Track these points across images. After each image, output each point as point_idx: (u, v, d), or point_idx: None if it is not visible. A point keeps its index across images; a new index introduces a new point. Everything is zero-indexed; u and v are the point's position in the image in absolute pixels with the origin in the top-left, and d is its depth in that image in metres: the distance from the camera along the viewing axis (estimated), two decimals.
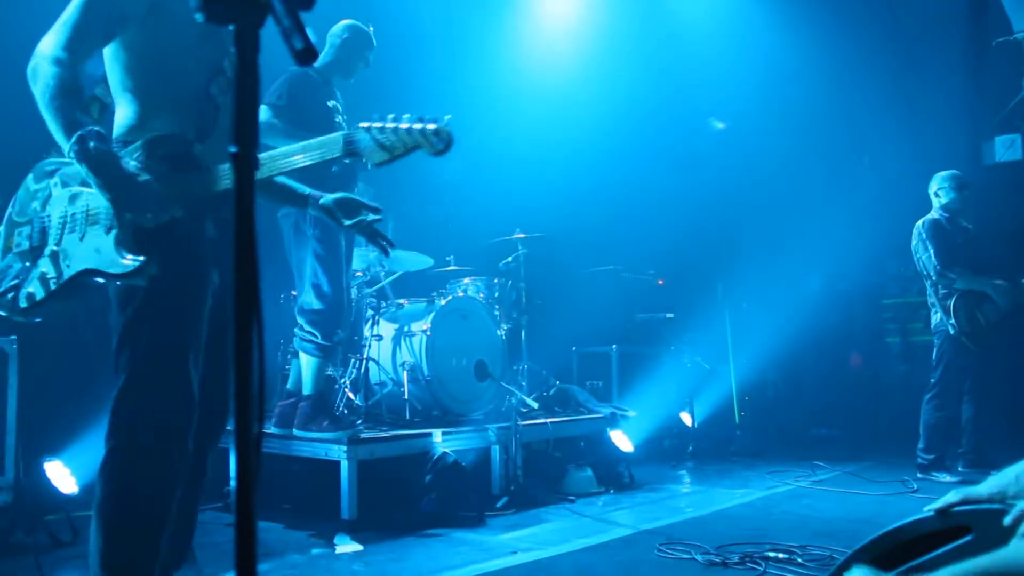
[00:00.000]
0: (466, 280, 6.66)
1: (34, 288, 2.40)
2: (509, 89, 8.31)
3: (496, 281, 6.78)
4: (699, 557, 3.77)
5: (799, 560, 3.65)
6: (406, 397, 5.64)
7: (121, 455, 2.39)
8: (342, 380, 5.57)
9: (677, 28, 9.19)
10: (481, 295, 6.56)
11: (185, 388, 2.45)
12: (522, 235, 6.91)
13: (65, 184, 2.46)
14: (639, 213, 8.94)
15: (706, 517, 4.90)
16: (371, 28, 5.09)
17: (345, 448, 4.58)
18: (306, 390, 4.87)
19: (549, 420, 5.91)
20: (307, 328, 4.78)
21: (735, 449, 7.80)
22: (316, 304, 4.76)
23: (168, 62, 2.54)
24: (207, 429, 2.65)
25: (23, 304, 2.41)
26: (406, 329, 5.88)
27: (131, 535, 2.39)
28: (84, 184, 2.40)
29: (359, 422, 5.22)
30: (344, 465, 4.57)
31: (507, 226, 7.02)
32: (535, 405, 6.12)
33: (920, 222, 6.17)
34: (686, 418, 7.87)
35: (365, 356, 5.81)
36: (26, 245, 2.44)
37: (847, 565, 1.81)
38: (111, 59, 2.54)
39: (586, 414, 6.48)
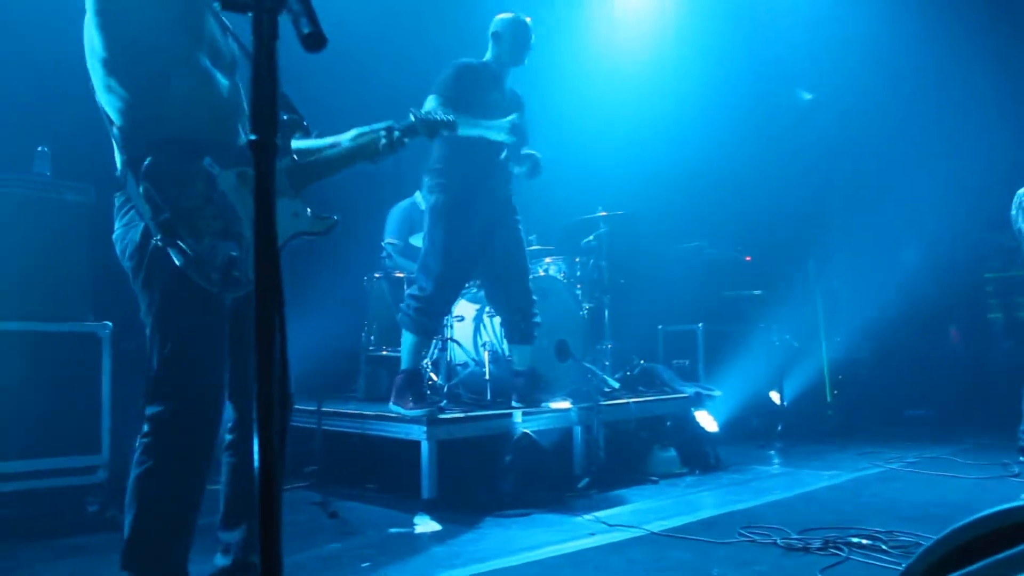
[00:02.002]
0: (548, 260, 6.62)
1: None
2: (591, 66, 8.23)
3: (578, 260, 6.74)
4: (780, 541, 3.69)
5: (884, 547, 3.53)
6: (487, 378, 5.65)
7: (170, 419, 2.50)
8: (425, 361, 5.63)
9: None
10: (563, 274, 6.53)
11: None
12: (604, 213, 6.85)
13: (224, 166, 2.54)
14: (725, 188, 8.76)
15: (791, 500, 4.80)
16: (528, 19, 5.25)
17: (425, 429, 4.62)
18: (403, 365, 5.07)
19: (632, 400, 5.86)
20: (410, 306, 5.00)
21: (826, 429, 7.63)
22: (420, 286, 5.05)
23: None
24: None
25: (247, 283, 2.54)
26: (487, 310, 5.89)
27: (170, 507, 2.50)
28: (241, 163, 2.55)
29: (443, 403, 5.30)
30: (424, 445, 4.61)
31: (589, 205, 6.97)
32: (616, 385, 6.07)
33: (1022, 189, 5.87)
34: (775, 397, 7.72)
35: (447, 337, 5.85)
36: (220, 225, 2.49)
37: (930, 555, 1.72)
38: None
39: (670, 394, 6.40)
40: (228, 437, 2.83)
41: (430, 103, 4.80)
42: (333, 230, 2.79)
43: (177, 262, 2.38)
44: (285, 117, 2.74)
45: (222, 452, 2.85)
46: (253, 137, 1.05)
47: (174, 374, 2.51)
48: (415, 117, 3.16)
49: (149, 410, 2.50)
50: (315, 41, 1.10)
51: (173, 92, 2.52)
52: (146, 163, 2.40)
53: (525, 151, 5.14)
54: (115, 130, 2.49)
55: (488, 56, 5.19)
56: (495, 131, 4.88)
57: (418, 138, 3.16)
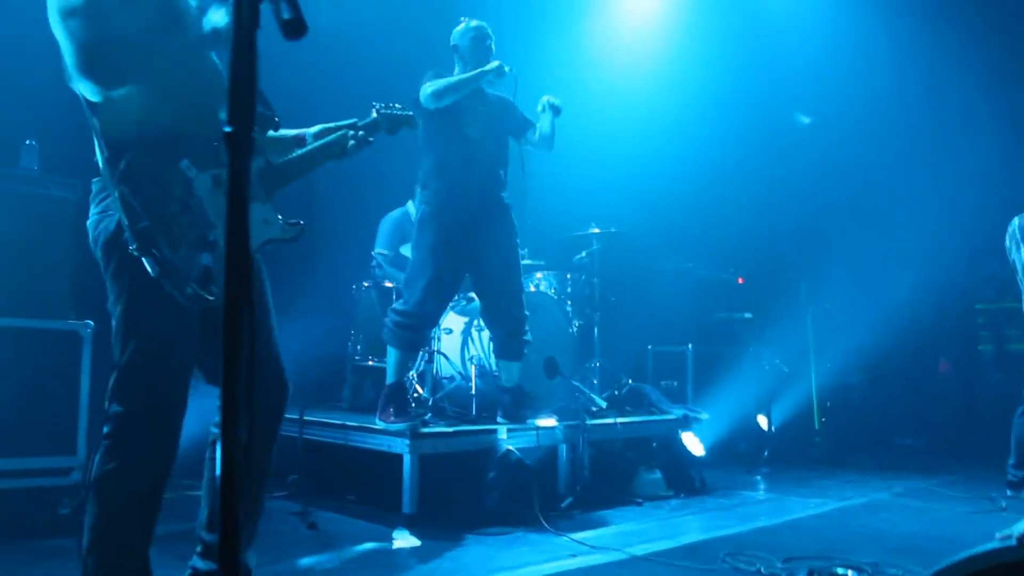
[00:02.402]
0: (538, 275, 6.56)
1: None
2: (586, 81, 8.19)
3: (569, 276, 6.68)
4: (764, 569, 3.62)
5: None
6: (473, 392, 5.59)
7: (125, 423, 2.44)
8: (411, 373, 5.56)
9: (761, 18, 8.93)
10: (553, 290, 6.47)
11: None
12: (597, 230, 6.80)
13: (200, 167, 2.47)
14: (719, 209, 8.73)
15: (777, 527, 4.74)
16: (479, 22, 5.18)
17: (408, 442, 4.55)
18: (388, 379, 5.02)
19: (619, 420, 5.79)
20: (393, 320, 4.96)
21: (813, 456, 7.57)
22: (405, 299, 5.02)
23: None
24: (260, 418, 2.68)
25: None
26: (476, 323, 5.83)
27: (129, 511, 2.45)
28: (216, 165, 2.48)
29: (427, 416, 5.23)
30: (406, 459, 4.54)
31: (582, 221, 6.92)
32: (603, 404, 6.00)
33: (1016, 219, 5.83)
34: (763, 422, 7.66)
35: (434, 349, 5.79)
36: (195, 234, 2.43)
37: None
38: None
39: (658, 415, 6.34)
40: (214, 431, 2.76)
41: (427, 89, 4.80)
42: (302, 236, 2.73)
43: (152, 272, 2.32)
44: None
45: (207, 448, 2.79)
46: (228, 129, 0.98)
47: (138, 374, 2.45)
48: (377, 112, 3.11)
49: (113, 408, 2.45)
50: (295, 28, 1.04)
51: (150, 83, 2.46)
52: (123, 165, 2.34)
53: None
54: (93, 120, 2.43)
55: (456, 71, 5.11)
56: (485, 77, 4.82)
57: (379, 134, 3.10)
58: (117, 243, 2.43)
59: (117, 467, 2.41)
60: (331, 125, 2.96)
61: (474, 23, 5.12)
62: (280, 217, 2.67)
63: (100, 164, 2.46)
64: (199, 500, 2.82)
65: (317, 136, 2.94)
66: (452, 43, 5.15)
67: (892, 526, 4.72)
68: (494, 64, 4.84)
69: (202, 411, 2.70)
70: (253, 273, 2.57)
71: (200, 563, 2.74)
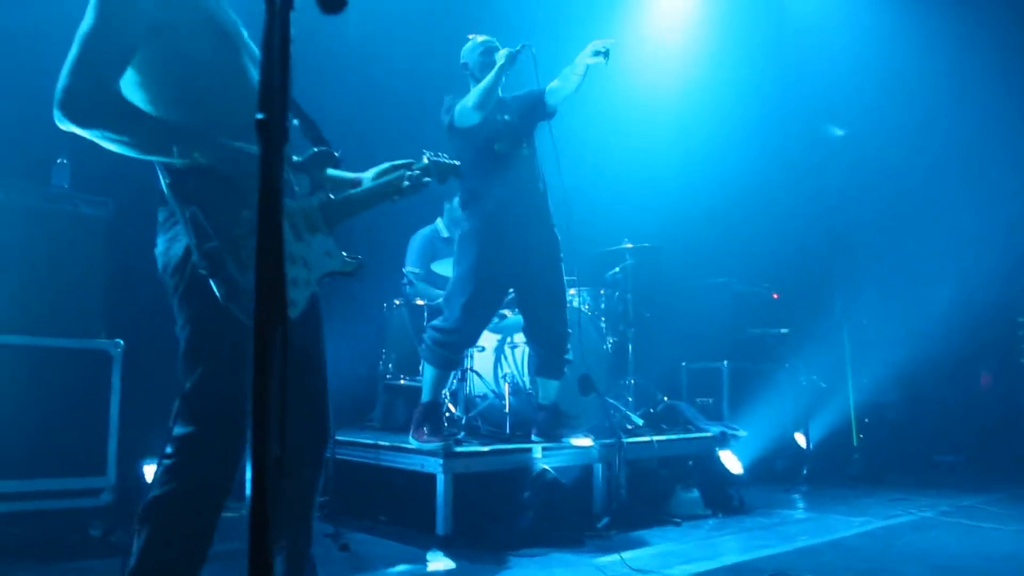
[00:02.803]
0: (571, 291, 6.46)
1: (296, 296, 2.43)
2: (619, 96, 8.12)
3: (602, 292, 6.60)
4: None
5: None
6: (507, 410, 5.50)
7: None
8: (444, 391, 5.48)
9: (794, 31, 8.85)
10: (586, 306, 6.39)
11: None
12: (630, 245, 6.72)
13: None
14: (753, 223, 8.61)
15: (820, 547, 4.60)
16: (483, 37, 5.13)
17: (441, 462, 4.46)
18: (423, 397, 4.95)
19: (655, 438, 5.68)
20: (433, 338, 4.90)
21: (852, 473, 7.41)
22: (445, 316, 4.94)
23: (192, 75, 2.47)
24: (308, 449, 2.67)
25: (292, 313, 2.42)
26: (509, 340, 5.75)
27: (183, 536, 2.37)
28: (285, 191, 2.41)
29: (460, 435, 5.16)
30: (440, 479, 4.46)
31: (615, 236, 6.84)
32: (640, 422, 5.90)
33: None
34: (800, 439, 7.51)
35: (467, 367, 5.71)
36: None
37: None
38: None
39: (694, 432, 6.22)
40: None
41: (465, 104, 4.77)
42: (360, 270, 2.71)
43: (219, 294, 2.25)
44: (316, 150, 2.66)
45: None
46: (260, 116, 0.91)
47: (204, 397, 2.38)
48: (428, 160, 3.10)
49: (177, 430, 2.37)
50: (334, 2, 0.97)
51: (208, 105, 2.42)
52: (191, 186, 2.30)
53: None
54: None
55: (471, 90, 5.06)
56: (505, 69, 4.73)
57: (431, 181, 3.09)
58: (185, 267, 2.38)
59: (175, 489, 2.33)
60: (386, 166, 2.94)
61: (481, 39, 5.08)
62: (343, 252, 2.65)
63: (164, 190, 2.41)
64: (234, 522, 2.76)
65: (374, 179, 2.91)
66: (462, 61, 5.11)
67: (941, 545, 4.57)
68: (504, 52, 4.77)
69: None
70: (311, 302, 2.52)
71: None
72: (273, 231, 0.87)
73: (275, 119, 0.91)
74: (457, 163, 3.25)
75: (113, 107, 2.31)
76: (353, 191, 2.80)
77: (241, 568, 2.64)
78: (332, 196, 2.70)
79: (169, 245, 2.45)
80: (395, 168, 2.93)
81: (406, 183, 2.88)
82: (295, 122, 2.76)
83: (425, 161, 3.08)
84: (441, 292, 6.53)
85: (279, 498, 0.94)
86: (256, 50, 2.71)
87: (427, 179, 2.99)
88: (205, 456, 2.37)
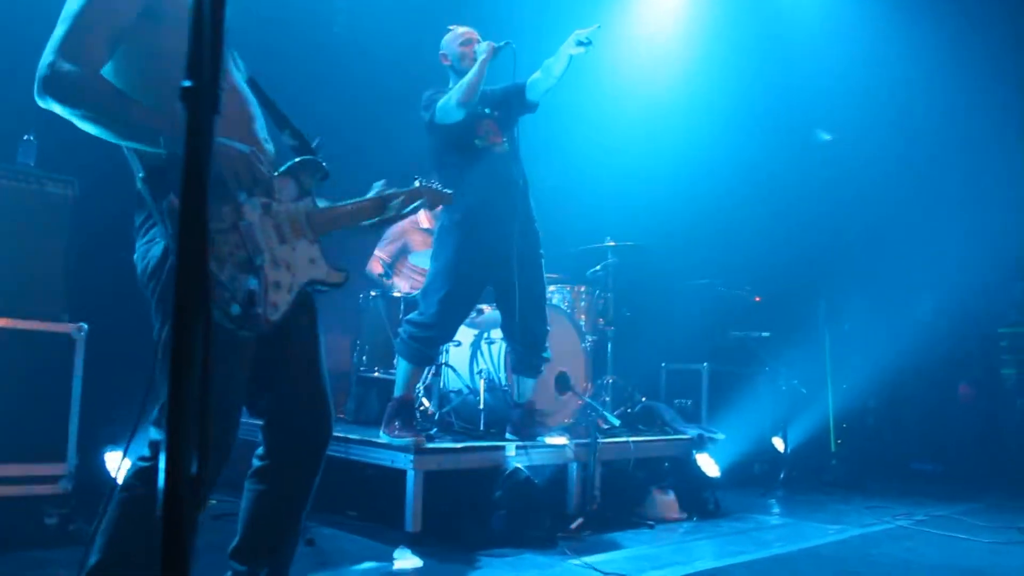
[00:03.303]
0: (552, 288, 6.38)
1: (279, 298, 2.37)
2: (604, 93, 8.05)
3: (583, 290, 6.51)
4: None
5: None
6: (481, 407, 5.41)
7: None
8: (417, 386, 5.38)
9: (782, 31, 8.77)
10: (567, 304, 6.30)
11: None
12: (612, 243, 6.63)
13: (250, 193, 2.38)
14: (737, 226, 8.55)
15: (795, 554, 4.54)
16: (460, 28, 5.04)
17: (412, 457, 4.36)
18: (396, 392, 4.84)
19: (632, 439, 5.60)
20: (408, 332, 4.79)
21: (829, 480, 7.35)
22: (421, 310, 4.83)
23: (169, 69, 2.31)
24: (304, 451, 2.64)
25: (273, 316, 2.35)
26: (486, 336, 5.66)
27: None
28: (267, 195, 2.42)
29: (433, 431, 5.07)
30: (410, 475, 4.35)
31: (597, 233, 6.75)
32: (617, 422, 5.82)
33: None
34: (778, 444, 7.45)
35: (442, 362, 5.61)
36: (243, 256, 2.31)
37: None
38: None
39: (672, 434, 6.15)
40: (256, 463, 2.64)
41: (448, 102, 4.66)
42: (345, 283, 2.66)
43: None
44: (301, 159, 2.59)
45: (246, 479, 2.65)
46: (186, 84, 0.81)
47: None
48: (420, 184, 3.06)
49: (156, 434, 2.30)
50: None
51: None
52: (170, 178, 2.21)
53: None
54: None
55: (451, 82, 4.96)
56: (487, 63, 4.64)
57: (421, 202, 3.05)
58: (162, 267, 2.29)
59: (149, 494, 2.21)
60: (386, 192, 2.88)
61: (461, 29, 4.98)
62: (328, 263, 2.58)
63: (139, 187, 2.32)
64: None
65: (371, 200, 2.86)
66: (441, 52, 5.00)
67: (918, 556, 4.51)
68: (485, 45, 4.68)
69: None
70: (302, 304, 2.46)
71: None
72: (197, 209, 0.77)
73: (204, 85, 0.81)
74: (450, 192, 3.24)
75: (101, 88, 2.22)
76: (341, 203, 2.72)
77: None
78: (320, 205, 2.62)
79: (147, 248, 2.36)
80: (393, 194, 2.89)
81: (395, 201, 2.84)
82: (286, 134, 2.71)
83: (416, 184, 3.04)
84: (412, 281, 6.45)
85: (194, 524, 0.83)
86: (239, 59, 2.66)
87: (417, 203, 2.95)
88: None
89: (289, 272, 2.42)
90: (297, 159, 2.59)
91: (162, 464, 0.84)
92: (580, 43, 4.53)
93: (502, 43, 4.68)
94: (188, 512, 0.81)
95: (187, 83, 0.83)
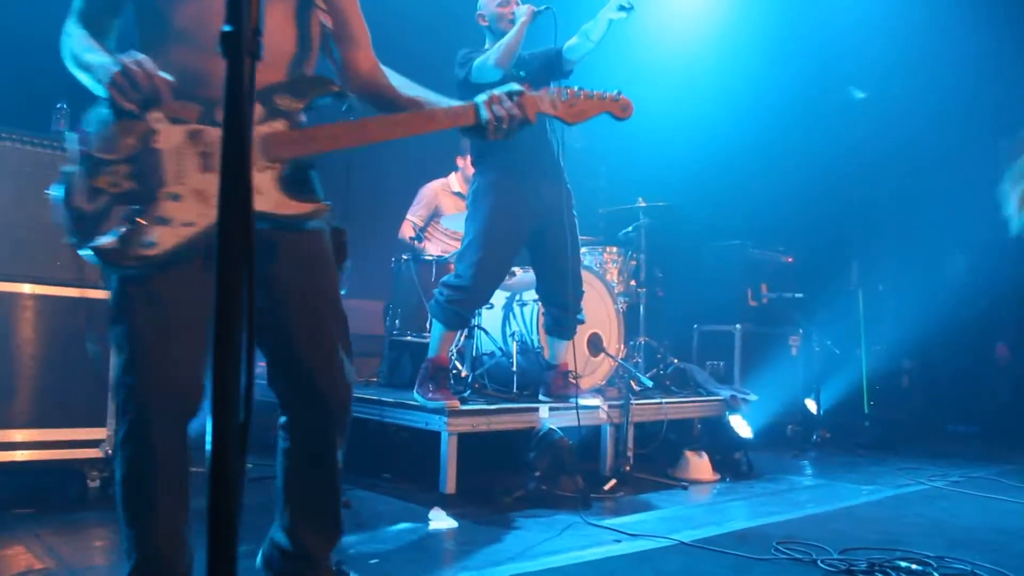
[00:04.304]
0: (584, 250, 6.37)
1: (162, 233, 2.09)
2: (635, 53, 7.97)
3: (616, 251, 6.49)
4: (821, 561, 3.42)
5: (935, 573, 3.26)
6: (514, 369, 5.42)
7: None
8: (451, 349, 5.41)
9: None
10: (598, 265, 6.29)
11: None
12: (644, 204, 6.59)
13: (175, 121, 2.16)
14: (769, 186, 8.48)
15: (829, 514, 4.53)
16: None
17: (446, 419, 4.39)
18: (430, 353, 4.87)
19: (664, 400, 5.61)
20: (444, 294, 4.80)
21: (863, 441, 7.32)
22: (458, 273, 4.83)
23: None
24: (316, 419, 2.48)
25: (146, 251, 2.07)
26: (518, 298, 5.66)
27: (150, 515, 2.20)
28: (203, 118, 2.19)
29: (467, 393, 5.09)
30: (444, 437, 4.39)
31: (629, 194, 6.71)
32: (649, 383, 5.83)
33: None
34: (811, 405, 7.43)
35: (475, 324, 5.63)
36: (131, 189, 2.09)
37: None
38: None
39: (704, 395, 6.15)
40: (280, 419, 2.51)
41: (486, 61, 4.65)
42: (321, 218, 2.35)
43: (64, 226, 2.05)
44: (285, 80, 2.36)
45: (277, 435, 2.53)
46: (227, 28, 0.80)
47: (127, 387, 2.15)
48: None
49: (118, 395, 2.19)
50: None
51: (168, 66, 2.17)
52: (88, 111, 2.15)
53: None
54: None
55: (487, 42, 4.96)
56: (520, 25, 4.62)
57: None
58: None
59: (132, 451, 2.18)
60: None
61: None
62: (285, 192, 2.26)
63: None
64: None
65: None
66: (478, 12, 5.00)
67: (953, 516, 4.48)
68: (525, 8, 4.65)
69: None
70: (267, 243, 2.26)
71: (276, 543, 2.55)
72: (240, 163, 0.77)
73: (243, 30, 0.80)
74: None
75: (76, 43, 2.22)
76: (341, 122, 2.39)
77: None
78: (289, 127, 2.30)
79: None
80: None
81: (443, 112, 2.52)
82: None
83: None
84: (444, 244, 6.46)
85: (242, 474, 0.84)
86: None
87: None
88: (135, 451, 2.19)
89: (203, 205, 2.12)
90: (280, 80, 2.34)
91: (209, 416, 0.84)
92: (621, 7, 4.49)
93: (542, 7, 4.66)
94: (236, 462, 0.81)
95: (227, 28, 0.82)
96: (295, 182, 2.29)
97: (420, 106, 2.57)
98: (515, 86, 2.61)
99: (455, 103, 2.55)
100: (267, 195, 2.20)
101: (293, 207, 2.24)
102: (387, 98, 2.63)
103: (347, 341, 2.51)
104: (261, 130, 2.21)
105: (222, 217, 0.78)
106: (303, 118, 2.35)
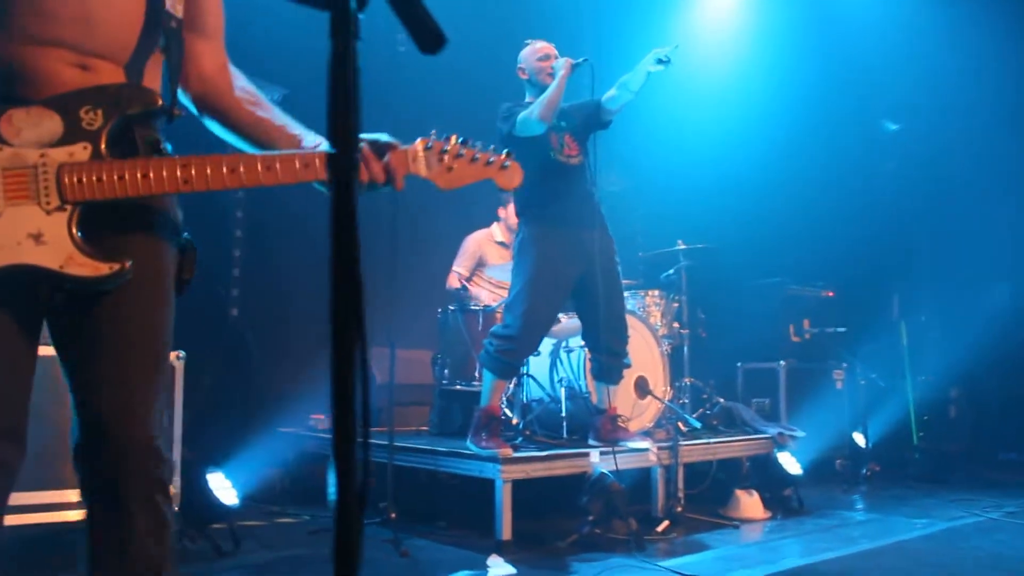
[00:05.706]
0: (626, 294, 6.46)
1: None
2: (670, 94, 8.10)
3: (658, 294, 6.58)
4: None
5: None
6: (563, 414, 5.51)
7: None
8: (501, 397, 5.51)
9: (846, 24, 8.73)
10: (642, 308, 6.37)
11: None
12: (684, 246, 6.69)
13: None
14: (807, 222, 8.52)
15: (883, 549, 4.55)
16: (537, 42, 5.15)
17: (500, 467, 4.49)
18: (482, 402, 4.95)
19: (713, 440, 5.66)
20: (494, 344, 4.89)
21: (913, 473, 7.30)
22: (504, 327, 4.94)
23: None
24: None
25: None
26: (564, 345, 5.76)
27: None
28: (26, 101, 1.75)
29: (518, 440, 5.18)
30: (498, 484, 4.48)
31: (668, 237, 6.82)
32: (697, 424, 5.89)
33: None
34: (859, 439, 7.42)
35: (523, 372, 5.73)
36: None
37: None
38: None
39: (752, 434, 6.18)
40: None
41: (529, 116, 4.75)
42: (114, 281, 1.72)
43: None
44: (94, 87, 1.78)
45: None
46: (331, 151, 0.92)
47: None
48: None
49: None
50: (435, 42, 0.97)
51: None
52: None
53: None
54: None
55: (527, 95, 5.10)
56: (560, 79, 4.71)
57: None
58: None
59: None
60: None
61: (539, 44, 5.10)
62: (77, 246, 1.71)
63: None
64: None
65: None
66: (519, 65, 5.13)
67: (1010, 549, 4.49)
68: (563, 61, 4.78)
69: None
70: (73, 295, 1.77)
71: None
72: (351, 265, 0.89)
73: (348, 154, 0.91)
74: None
75: None
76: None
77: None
78: (92, 155, 1.73)
79: None
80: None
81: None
82: None
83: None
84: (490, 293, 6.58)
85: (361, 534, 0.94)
86: None
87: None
88: None
89: None
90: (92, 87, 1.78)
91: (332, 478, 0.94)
92: (659, 60, 4.63)
93: (580, 60, 4.80)
94: (357, 524, 0.92)
95: (331, 150, 0.93)
96: (105, 226, 1.77)
97: (261, 135, 2.05)
98: (385, 136, 2.03)
99: (298, 137, 2.04)
100: (50, 246, 1.68)
101: (87, 267, 1.69)
102: (224, 109, 2.07)
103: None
104: (51, 156, 1.70)
105: (334, 270, 0.88)
106: (106, 146, 1.77)
